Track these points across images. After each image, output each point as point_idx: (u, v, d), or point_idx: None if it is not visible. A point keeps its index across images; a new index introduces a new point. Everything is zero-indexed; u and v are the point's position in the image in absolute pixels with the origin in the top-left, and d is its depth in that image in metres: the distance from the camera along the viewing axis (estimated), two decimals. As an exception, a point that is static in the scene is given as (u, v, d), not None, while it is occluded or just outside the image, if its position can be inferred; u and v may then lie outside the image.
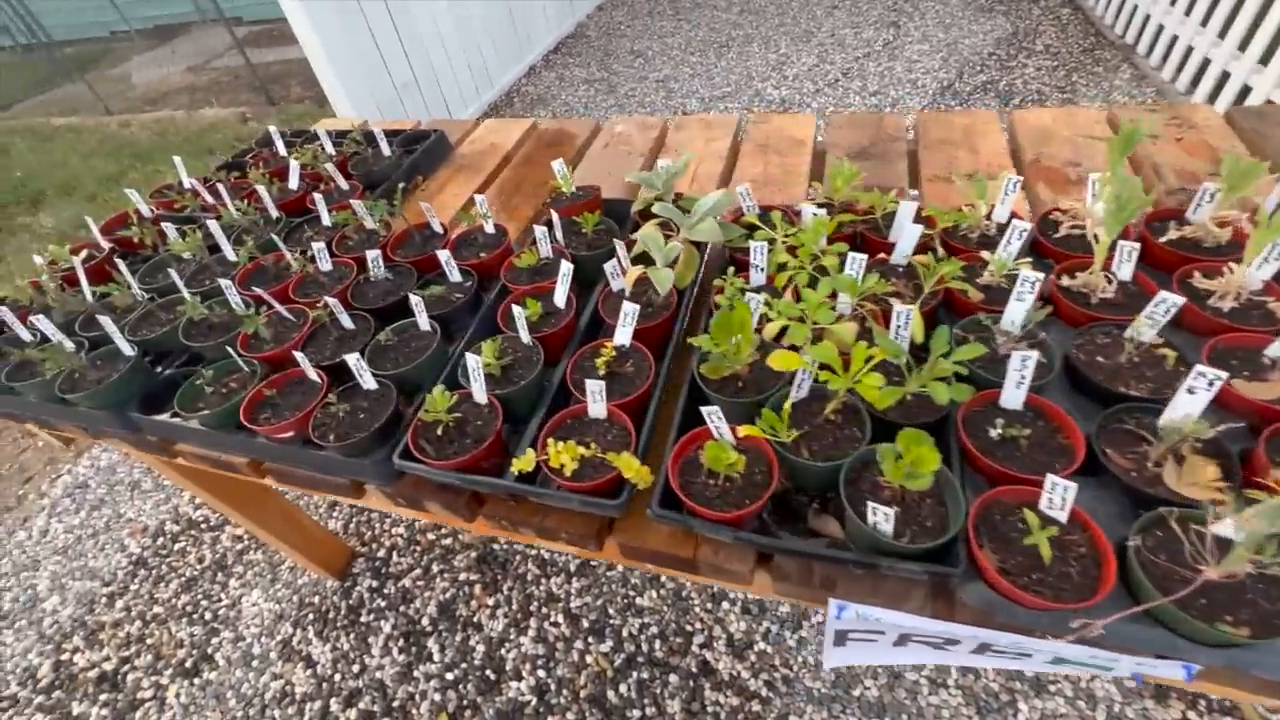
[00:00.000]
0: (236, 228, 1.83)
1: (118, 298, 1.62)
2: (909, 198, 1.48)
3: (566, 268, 1.30)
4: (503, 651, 2.58)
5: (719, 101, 5.80)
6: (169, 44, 10.04)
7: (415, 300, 1.31)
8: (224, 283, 1.48)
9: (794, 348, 1.03)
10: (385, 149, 2.10)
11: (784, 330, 1.04)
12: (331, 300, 1.36)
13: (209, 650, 2.80)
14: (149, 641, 2.89)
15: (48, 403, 1.46)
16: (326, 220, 1.78)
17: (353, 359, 1.20)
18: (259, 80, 7.22)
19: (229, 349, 1.37)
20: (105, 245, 1.89)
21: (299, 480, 1.33)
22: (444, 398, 1.11)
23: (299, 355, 1.26)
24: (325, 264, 1.59)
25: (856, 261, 1.14)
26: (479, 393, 1.15)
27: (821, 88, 5.71)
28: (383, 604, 2.83)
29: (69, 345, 1.51)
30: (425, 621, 2.75)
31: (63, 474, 3.65)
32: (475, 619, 2.73)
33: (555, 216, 1.47)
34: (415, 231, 1.67)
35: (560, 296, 1.33)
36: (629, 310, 1.16)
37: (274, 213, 1.84)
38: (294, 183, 1.99)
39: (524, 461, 1.02)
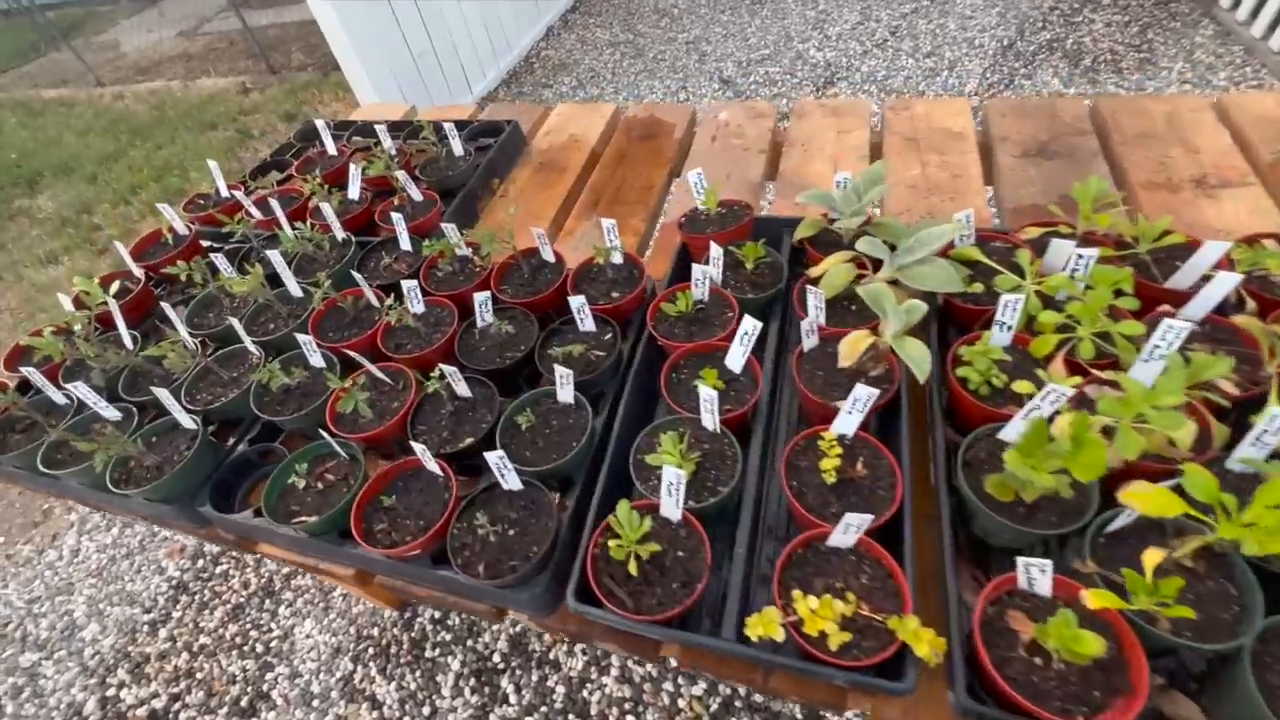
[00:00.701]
0: (293, 253, 1.53)
1: (161, 343, 1.34)
2: (1122, 209, 1.16)
3: (750, 326, 1.01)
4: (584, 693, 2.39)
5: (759, 65, 5.34)
6: (156, 6, 9.42)
7: (562, 373, 1.02)
8: (303, 339, 1.19)
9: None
10: (458, 147, 1.77)
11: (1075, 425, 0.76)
12: (449, 369, 1.07)
13: (264, 687, 2.61)
14: (199, 676, 2.70)
15: (97, 491, 1.19)
16: (406, 243, 1.48)
17: (494, 458, 0.93)
18: (257, 46, 6.72)
19: (322, 433, 1.09)
20: (139, 273, 1.59)
21: (420, 594, 1.08)
22: (635, 523, 0.84)
23: (418, 448, 0.98)
24: (418, 305, 1.30)
25: (1173, 331, 0.85)
26: (672, 509, 0.88)
27: (869, 49, 5.25)
28: (448, 637, 2.63)
29: (112, 414, 1.24)
30: (496, 658, 2.55)
31: (89, 491, 3.42)
32: (551, 655, 2.52)
33: (716, 250, 1.16)
34: (521, 260, 1.36)
35: (738, 359, 1.05)
36: (862, 396, 0.88)
37: (339, 233, 1.53)
38: (354, 191, 1.67)
39: (764, 624, 0.76)
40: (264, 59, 6.77)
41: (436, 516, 0.97)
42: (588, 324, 1.20)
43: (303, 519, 1.01)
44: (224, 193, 1.82)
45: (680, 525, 0.89)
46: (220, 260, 1.44)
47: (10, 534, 3.30)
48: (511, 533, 0.94)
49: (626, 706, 2.36)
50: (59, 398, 1.31)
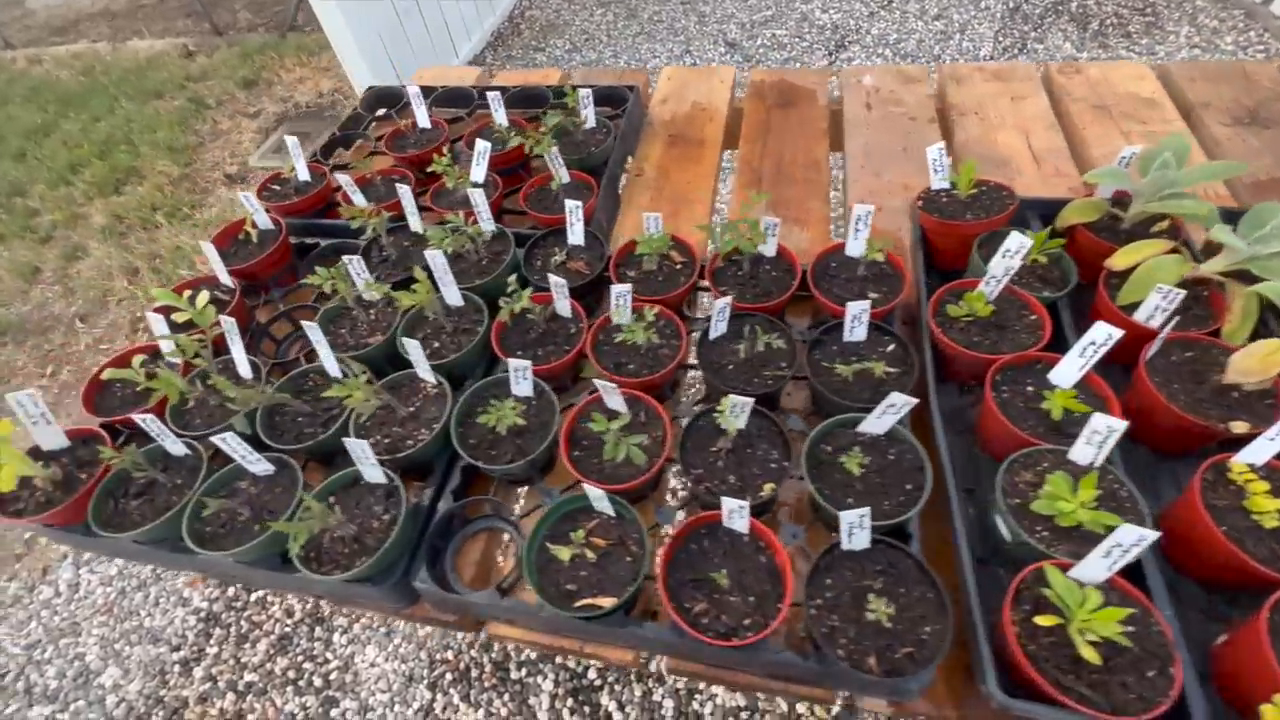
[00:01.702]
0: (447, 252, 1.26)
1: (347, 380, 1.07)
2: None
3: (1102, 335, 0.85)
4: (695, 705, 2.26)
5: (763, 28, 5.10)
6: (58, -46, 8.23)
7: (893, 403, 0.83)
8: (515, 365, 0.95)
9: None
10: (590, 116, 1.51)
11: None
12: (739, 400, 0.86)
13: (331, 727, 2.37)
14: (251, 718, 2.43)
15: (275, 574, 0.93)
16: (580, 236, 1.23)
17: (851, 518, 0.74)
18: (199, 3, 5.97)
19: (588, 487, 0.86)
20: (229, 281, 1.28)
21: (741, 683, 0.89)
22: (1077, 595, 0.68)
23: (732, 504, 0.78)
24: (626, 313, 1.08)
25: None
26: (1101, 572, 0.72)
27: (875, 10, 5.10)
28: (533, 655, 2.43)
29: (263, 467, 0.98)
30: (592, 674, 2.38)
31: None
32: (651, 667, 2.38)
33: (1018, 241, 0.96)
34: (741, 256, 1.14)
35: (1072, 373, 0.89)
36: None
37: (486, 224, 1.26)
38: (479, 173, 1.39)
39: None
40: (206, 18, 6.04)
41: (771, 590, 0.78)
42: (859, 331, 1.01)
43: (594, 601, 0.81)
44: (304, 175, 1.50)
45: (1111, 589, 0.74)
46: (355, 265, 1.16)
47: (-14, 565, 2.87)
48: (889, 608, 0.76)
49: (743, 716, 2.24)
50: (176, 448, 1.03)
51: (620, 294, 1.06)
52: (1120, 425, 0.77)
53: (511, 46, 5.29)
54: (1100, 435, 0.79)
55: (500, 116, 1.54)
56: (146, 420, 0.98)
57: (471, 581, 0.97)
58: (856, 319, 0.99)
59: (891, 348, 1.01)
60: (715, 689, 2.30)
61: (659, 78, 1.87)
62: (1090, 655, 0.67)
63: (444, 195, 1.42)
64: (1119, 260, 1.00)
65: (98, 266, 3.85)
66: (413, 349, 1.01)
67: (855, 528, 0.77)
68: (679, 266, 1.18)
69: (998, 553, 0.83)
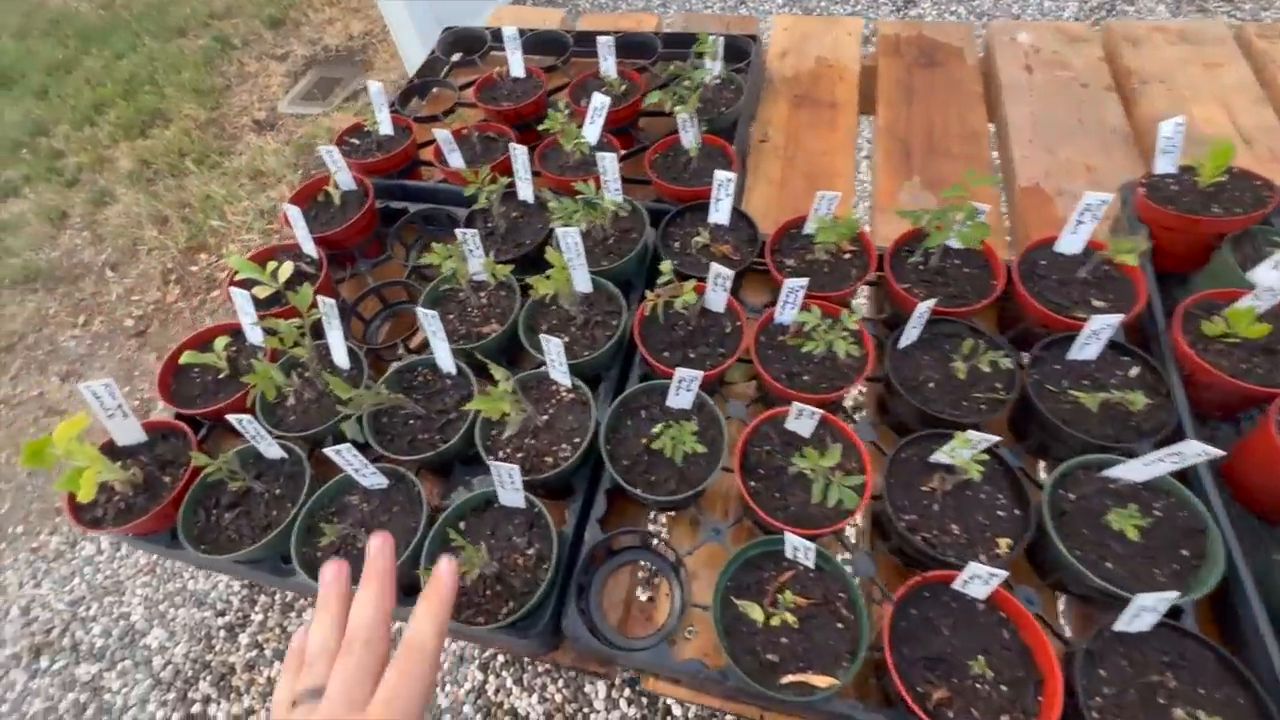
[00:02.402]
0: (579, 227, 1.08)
1: (491, 388, 0.91)
2: None
3: None
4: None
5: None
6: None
7: (1184, 452, 0.66)
8: (685, 374, 0.79)
9: None
10: (715, 66, 1.30)
11: None
12: (983, 437, 0.70)
13: (381, 702, 2.30)
14: (298, 690, 2.37)
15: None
16: (725, 215, 1.05)
17: (1152, 602, 0.59)
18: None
19: (790, 534, 0.71)
20: (314, 252, 1.11)
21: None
22: None
23: (982, 569, 0.63)
24: (791, 311, 0.90)
25: None
26: None
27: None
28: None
29: (376, 480, 0.83)
30: (651, 664, 2.30)
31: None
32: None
33: None
34: (932, 246, 0.95)
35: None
36: None
37: (616, 196, 1.07)
38: (594, 133, 1.20)
39: None
40: (230, -55, 5.67)
41: (1025, 677, 0.63)
42: (1090, 350, 0.84)
43: (805, 679, 0.66)
44: (386, 128, 1.31)
45: None
46: (470, 240, 0.98)
47: (29, 522, 2.80)
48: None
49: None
50: (272, 451, 0.88)
51: (794, 289, 0.89)
52: None
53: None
54: None
55: (609, 66, 1.33)
56: (243, 422, 0.83)
57: (620, 625, 0.83)
58: (1095, 335, 0.81)
59: (1135, 371, 0.83)
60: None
61: (772, 27, 1.65)
62: None
63: (554, 157, 1.23)
64: None
65: (126, 213, 3.69)
66: (552, 348, 0.85)
67: (1147, 611, 0.62)
68: (847, 256, 1.00)
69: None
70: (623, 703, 2.22)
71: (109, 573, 2.68)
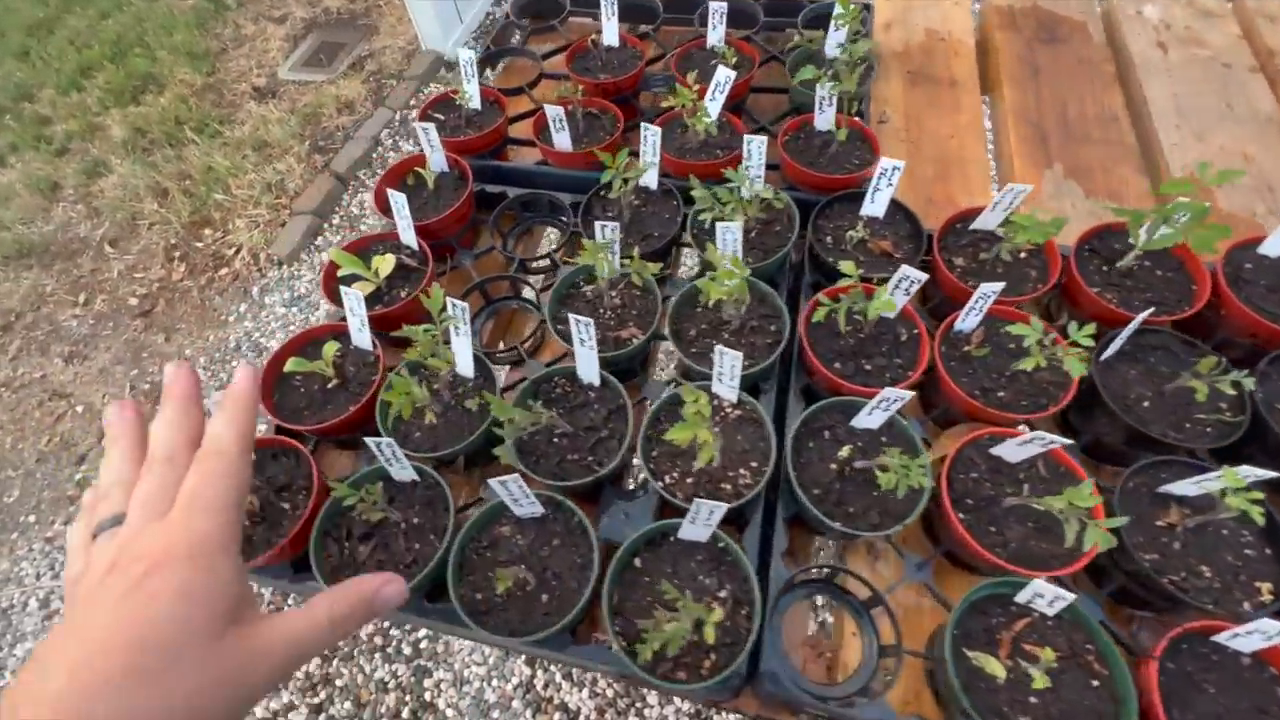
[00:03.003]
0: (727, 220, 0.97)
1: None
2: None
3: None
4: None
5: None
6: None
7: None
8: (895, 392, 0.70)
9: None
10: (834, 40, 1.18)
11: None
12: (1251, 471, 0.62)
13: (425, 696, 2.25)
14: (339, 684, 2.29)
15: (571, 653, 0.71)
16: (881, 207, 0.94)
17: None
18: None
19: (1047, 584, 0.63)
20: (415, 244, 0.99)
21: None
22: None
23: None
24: (975, 317, 0.81)
25: None
26: None
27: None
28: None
29: (531, 507, 0.73)
30: (705, 658, 2.26)
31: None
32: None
33: None
34: (1096, 244, 0.86)
35: None
36: None
37: (758, 185, 0.96)
38: (715, 108, 1.08)
39: None
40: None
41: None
42: (1322, 367, 0.76)
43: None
44: (475, 102, 1.17)
45: None
46: (606, 229, 0.87)
47: (40, 511, 2.67)
48: None
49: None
50: (405, 473, 0.78)
51: (985, 294, 0.79)
52: None
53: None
54: None
55: (718, 36, 1.21)
56: (381, 445, 0.73)
57: (805, 668, 0.76)
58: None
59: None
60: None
61: (874, -3, 1.52)
62: None
63: (669, 138, 1.11)
64: None
65: (123, 185, 3.47)
66: (726, 361, 0.75)
67: None
68: (1023, 255, 0.91)
69: None
70: (677, 698, 2.18)
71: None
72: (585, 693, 2.24)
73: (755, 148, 0.93)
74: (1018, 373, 0.81)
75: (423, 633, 2.39)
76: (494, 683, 2.28)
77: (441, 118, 1.20)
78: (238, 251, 3.30)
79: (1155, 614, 0.70)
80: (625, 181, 0.93)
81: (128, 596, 0.38)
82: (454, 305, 0.81)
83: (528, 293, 1.05)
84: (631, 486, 0.87)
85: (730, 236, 0.83)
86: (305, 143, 3.62)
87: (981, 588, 0.68)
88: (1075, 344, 0.72)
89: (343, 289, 0.86)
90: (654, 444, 0.80)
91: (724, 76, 1.06)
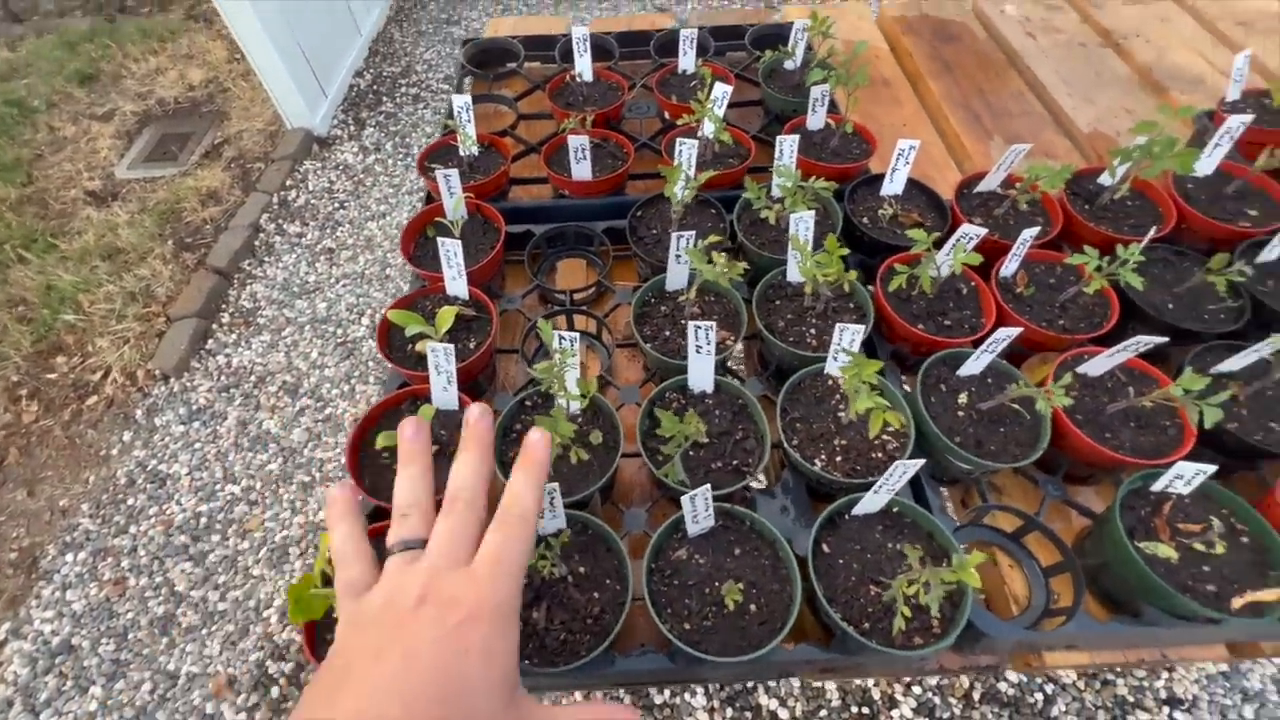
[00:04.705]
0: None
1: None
2: None
3: None
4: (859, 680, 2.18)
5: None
6: None
7: None
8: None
9: None
10: (800, 54, 1.29)
11: None
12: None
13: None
14: None
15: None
16: (899, 184, 1.03)
17: None
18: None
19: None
20: (463, 290, 0.92)
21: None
22: None
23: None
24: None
25: None
26: None
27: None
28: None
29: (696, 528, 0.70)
30: (742, 678, 2.22)
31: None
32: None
33: None
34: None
35: None
36: None
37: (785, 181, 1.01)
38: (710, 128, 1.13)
39: None
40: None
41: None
42: None
43: (1257, 596, 0.66)
44: (472, 147, 1.13)
45: None
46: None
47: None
48: None
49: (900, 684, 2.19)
50: (555, 523, 0.72)
51: (1025, 239, 0.90)
52: None
53: (419, 21, 4.71)
54: None
55: (689, 60, 1.28)
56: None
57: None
58: (1291, 236, 0.92)
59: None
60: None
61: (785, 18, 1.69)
62: None
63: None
64: None
65: (-65, 326, 2.91)
66: (848, 336, 0.78)
67: None
68: (1025, 209, 1.04)
69: None
70: (717, 712, 2.12)
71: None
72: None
73: (787, 146, 0.99)
74: (1064, 302, 0.93)
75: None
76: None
77: (435, 168, 1.15)
78: (106, 375, 2.86)
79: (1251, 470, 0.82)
80: (687, 191, 0.95)
81: (442, 642, 0.39)
82: (562, 338, 0.78)
83: (586, 323, 1.03)
84: (764, 484, 0.87)
85: (803, 225, 0.87)
86: (168, 242, 3.25)
87: (1131, 481, 0.75)
88: (1125, 261, 0.84)
89: (429, 345, 0.78)
90: (793, 432, 0.81)
91: (721, 91, 1.13)
